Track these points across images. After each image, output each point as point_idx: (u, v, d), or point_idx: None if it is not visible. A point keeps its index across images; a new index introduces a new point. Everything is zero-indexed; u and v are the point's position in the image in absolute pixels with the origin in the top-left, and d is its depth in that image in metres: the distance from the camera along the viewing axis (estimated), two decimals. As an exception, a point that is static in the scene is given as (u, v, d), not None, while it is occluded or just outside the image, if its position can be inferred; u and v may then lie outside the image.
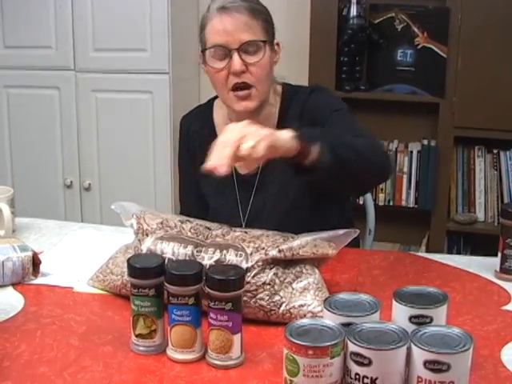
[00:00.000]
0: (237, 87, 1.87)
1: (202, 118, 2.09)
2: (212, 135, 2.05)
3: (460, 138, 3.33)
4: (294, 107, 1.97)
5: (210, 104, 2.09)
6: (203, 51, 1.90)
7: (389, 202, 3.48)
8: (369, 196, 2.45)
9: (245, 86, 1.87)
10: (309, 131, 1.54)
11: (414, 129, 3.52)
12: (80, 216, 3.69)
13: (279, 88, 2.03)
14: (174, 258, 1.51)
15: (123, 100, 3.52)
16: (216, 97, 2.09)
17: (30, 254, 1.73)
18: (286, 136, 1.49)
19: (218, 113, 2.07)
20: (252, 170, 1.80)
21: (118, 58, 3.46)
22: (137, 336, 1.40)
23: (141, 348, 1.40)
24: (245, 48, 1.84)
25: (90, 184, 3.66)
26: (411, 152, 3.42)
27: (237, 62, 1.83)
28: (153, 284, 1.37)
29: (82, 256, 1.89)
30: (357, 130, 1.82)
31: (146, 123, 3.50)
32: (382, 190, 3.47)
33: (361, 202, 3.07)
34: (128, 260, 1.40)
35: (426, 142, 3.41)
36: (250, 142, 1.41)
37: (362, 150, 1.64)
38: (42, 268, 1.76)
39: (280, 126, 1.96)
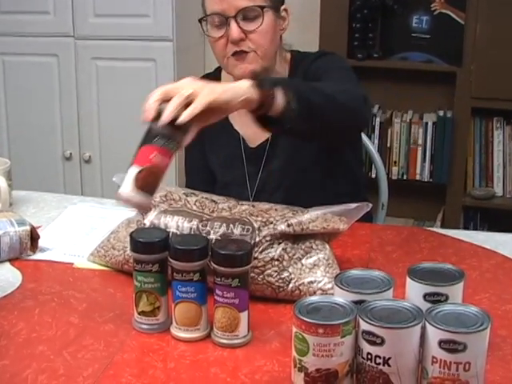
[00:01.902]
0: (235, 54, 1.86)
1: None
2: None
3: (477, 109, 3.32)
4: (298, 74, 1.97)
5: (216, 73, 2.09)
6: (200, 20, 1.89)
7: (402, 175, 3.48)
8: (382, 169, 2.44)
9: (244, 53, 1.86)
10: (270, 78, 1.49)
11: (430, 99, 3.51)
12: (80, 189, 3.70)
13: (288, 56, 2.02)
14: (178, 233, 1.51)
15: (125, 68, 3.51)
16: None
17: (27, 228, 1.73)
18: (243, 86, 1.42)
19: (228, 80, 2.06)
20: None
21: (119, 24, 3.45)
22: (139, 313, 1.40)
23: (143, 326, 1.40)
24: (243, 15, 1.83)
25: (90, 156, 3.66)
26: (426, 123, 3.41)
27: (234, 29, 1.82)
28: (156, 259, 1.37)
29: (82, 230, 1.89)
30: (339, 83, 1.79)
31: (148, 92, 3.46)
32: (395, 162, 3.46)
33: (373, 176, 3.06)
34: (131, 234, 1.40)
35: (441, 112, 3.40)
36: (187, 91, 1.36)
37: (334, 93, 1.61)
38: (41, 243, 1.76)
39: None
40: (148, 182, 1.33)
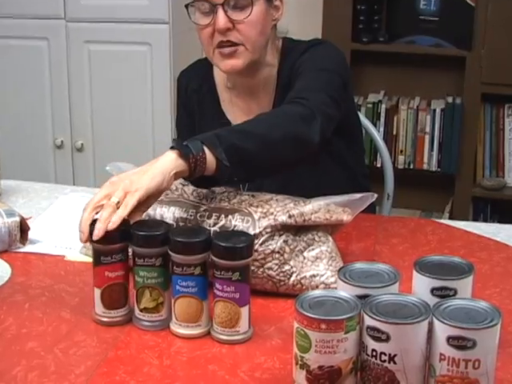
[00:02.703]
0: (222, 45, 1.84)
1: (201, 75, 2.07)
2: (212, 94, 2.04)
3: (488, 95, 3.32)
4: (286, 66, 1.94)
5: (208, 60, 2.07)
6: (187, 6, 1.87)
7: (409, 164, 3.48)
8: (387, 158, 2.44)
9: (231, 45, 1.84)
10: (196, 139, 1.50)
11: (438, 85, 3.50)
12: (72, 178, 3.69)
13: (280, 45, 1.99)
14: (174, 224, 1.51)
15: (119, 52, 3.49)
16: None
17: (17, 219, 1.73)
18: (168, 161, 1.46)
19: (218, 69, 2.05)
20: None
21: (113, 5, 3.43)
22: (141, 310, 1.40)
23: (145, 323, 1.40)
24: (233, 3, 1.80)
25: (82, 144, 3.65)
26: (434, 110, 3.41)
27: (221, 18, 1.80)
28: (160, 253, 1.36)
29: (73, 222, 1.88)
30: (306, 92, 1.77)
31: (143, 78, 3.49)
32: (401, 151, 3.46)
33: (378, 165, 3.06)
34: (131, 227, 1.39)
35: (450, 99, 3.40)
36: (115, 198, 1.40)
37: (269, 129, 1.62)
38: (31, 235, 1.76)
39: (278, 88, 1.96)
40: (114, 298, 1.41)
